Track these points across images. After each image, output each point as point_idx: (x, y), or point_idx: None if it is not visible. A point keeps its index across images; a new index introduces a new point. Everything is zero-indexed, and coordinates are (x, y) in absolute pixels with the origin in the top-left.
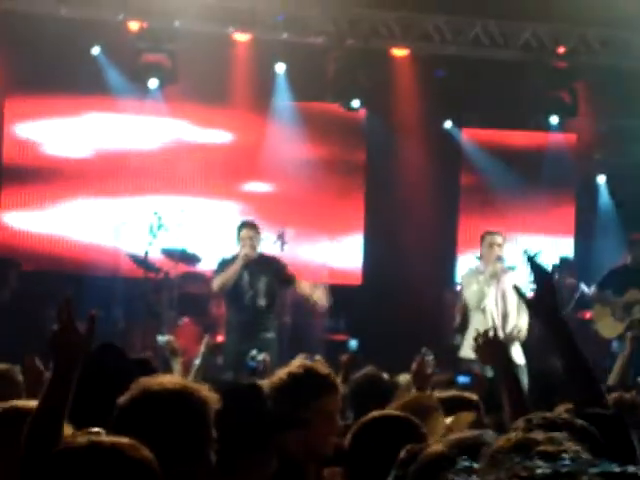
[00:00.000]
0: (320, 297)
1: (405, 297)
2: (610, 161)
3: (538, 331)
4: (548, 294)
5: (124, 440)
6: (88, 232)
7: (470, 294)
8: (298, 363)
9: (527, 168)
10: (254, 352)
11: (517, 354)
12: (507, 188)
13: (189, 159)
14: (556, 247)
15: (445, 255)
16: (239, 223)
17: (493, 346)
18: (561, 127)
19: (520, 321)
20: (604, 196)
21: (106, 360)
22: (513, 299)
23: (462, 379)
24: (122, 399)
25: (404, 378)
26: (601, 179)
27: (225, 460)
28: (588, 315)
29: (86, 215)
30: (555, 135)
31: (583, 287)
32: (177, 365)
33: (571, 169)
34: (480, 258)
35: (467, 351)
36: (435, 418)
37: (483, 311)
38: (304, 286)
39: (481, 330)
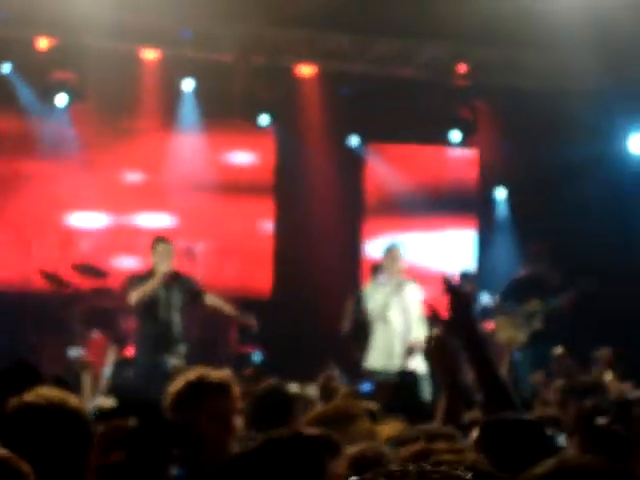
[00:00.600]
0: (229, 309)
1: (312, 310)
2: (510, 175)
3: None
4: (463, 311)
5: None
6: None
7: (374, 305)
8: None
9: (431, 183)
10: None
11: (419, 364)
12: (411, 200)
13: (99, 176)
14: (457, 259)
15: (350, 268)
16: (155, 238)
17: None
18: (463, 143)
19: (422, 332)
20: (503, 208)
21: (20, 379)
22: (415, 310)
23: (365, 387)
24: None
25: (313, 389)
26: (501, 193)
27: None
28: (489, 326)
29: None
30: (457, 150)
31: (483, 298)
32: (87, 378)
33: (473, 184)
34: (383, 269)
35: (372, 362)
36: (359, 424)
37: (386, 322)
38: (216, 300)
39: (385, 340)
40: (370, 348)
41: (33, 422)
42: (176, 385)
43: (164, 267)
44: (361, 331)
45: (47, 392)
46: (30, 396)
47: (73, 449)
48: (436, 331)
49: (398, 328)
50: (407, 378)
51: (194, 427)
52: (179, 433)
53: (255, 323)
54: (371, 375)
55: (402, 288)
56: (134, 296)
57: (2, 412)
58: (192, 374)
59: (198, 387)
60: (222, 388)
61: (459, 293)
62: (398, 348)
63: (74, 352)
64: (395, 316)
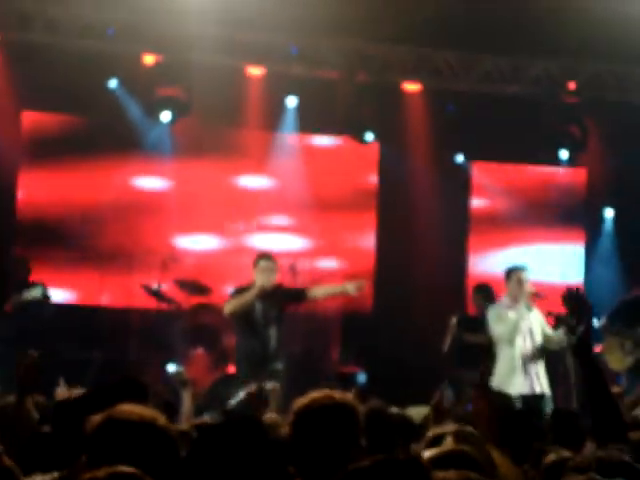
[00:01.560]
0: (348, 287)
1: (415, 329)
2: (619, 195)
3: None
4: (587, 334)
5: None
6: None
7: (502, 330)
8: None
9: (537, 203)
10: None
11: (545, 385)
12: (517, 223)
13: (202, 195)
14: (565, 275)
15: (454, 287)
16: (257, 255)
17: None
18: (571, 161)
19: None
20: (609, 228)
21: (126, 396)
22: (539, 337)
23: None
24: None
25: (416, 412)
26: (609, 213)
27: None
28: (598, 349)
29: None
30: (565, 169)
31: (594, 321)
32: (187, 396)
33: (581, 203)
34: (507, 292)
35: (495, 385)
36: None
37: (512, 347)
38: (320, 289)
39: (509, 365)
40: (493, 373)
41: (121, 437)
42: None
43: (264, 282)
44: (463, 352)
45: (134, 408)
46: (117, 411)
47: (158, 468)
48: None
49: (523, 354)
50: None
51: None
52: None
53: (364, 285)
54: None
55: (528, 313)
56: (228, 306)
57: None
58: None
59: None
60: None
61: (587, 303)
62: (521, 374)
63: (173, 368)
64: (520, 341)
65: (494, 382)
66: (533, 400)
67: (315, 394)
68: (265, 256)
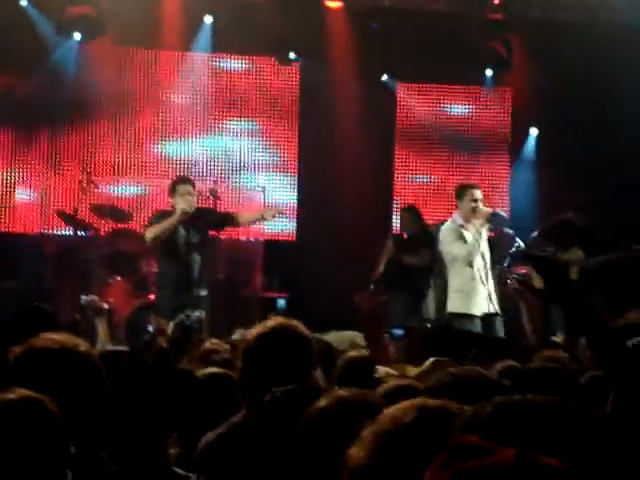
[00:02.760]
0: (266, 214)
1: (339, 253)
2: (544, 115)
3: None
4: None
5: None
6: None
7: (458, 248)
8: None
9: (462, 122)
10: (188, 311)
11: (497, 304)
12: (442, 141)
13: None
14: (491, 200)
15: (381, 206)
16: (175, 179)
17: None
18: (496, 80)
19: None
20: (532, 148)
21: (34, 325)
22: (488, 254)
23: (397, 332)
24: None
25: (338, 336)
26: (533, 131)
27: None
28: (524, 270)
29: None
30: (489, 88)
31: (519, 241)
32: (101, 325)
33: (506, 122)
34: (458, 212)
35: (453, 306)
36: None
37: (470, 265)
38: (243, 216)
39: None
40: (449, 292)
41: (42, 366)
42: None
43: (185, 207)
44: (398, 274)
45: (55, 336)
46: (38, 340)
47: (84, 393)
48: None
49: (480, 273)
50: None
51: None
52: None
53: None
54: (452, 320)
55: (481, 232)
56: (149, 233)
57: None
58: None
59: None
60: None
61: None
62: (482, 292)
63: (87, 298)
64: (479, 260)
65: (452, 303)
66: (491, 318)
67: (269, 322)
68: (183, 180)
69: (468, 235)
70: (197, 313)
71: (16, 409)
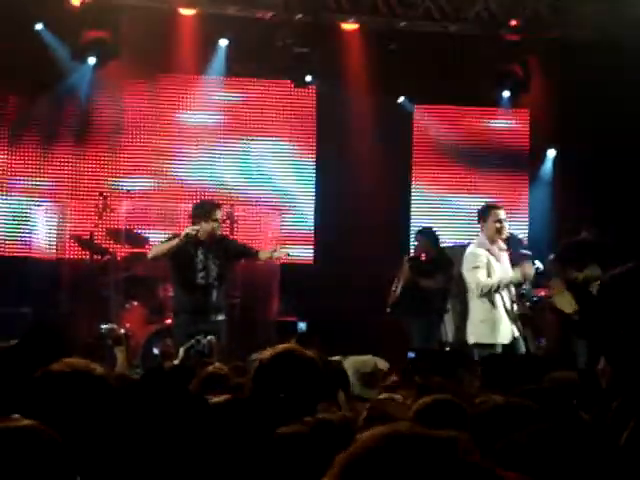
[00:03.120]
0: (281, 251)
1: (359, 278)
2: (561, 135)
3: None
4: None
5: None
6: (31, 216)
7: (484, 278)
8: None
9: (480, 144)
10: (199, 337)
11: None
12: (459, 163)
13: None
14: (510, 221)
15: (399, 231)
16: (196, 203)
17: None
18: (513, 101)
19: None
20: (550, 170)
21: (41, 346)
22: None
23: (410, 356)
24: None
25: (358, 361)
26: (551, 153)
27: None
28: (543, 292)
29: (28, 197)
30: (507, 110)
31: (537, 264)
32: (120, 354)
33: (524, 145)
34: (483, 233)
35: (481, 335)
36: None
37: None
38: (262, 254)
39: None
40: (474, 321)
41: (58, 389)
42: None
43: (189, 231)
44: (415, 297)
45: (72, 361)
46: (56, 365)
47: (98, 416)
48: None
49: (504, 300)
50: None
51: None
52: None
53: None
54: (476, 348)
55: (503, 256)
56: (151, 251)
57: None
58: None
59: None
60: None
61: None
62: (506, 320)
63: (107, 326)
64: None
65: (477, 333)
66: (513, 342)
67: (278, 347)
68: (202, 203)
69: (496, 264)
70: (208, 338)
71: (14, 438)
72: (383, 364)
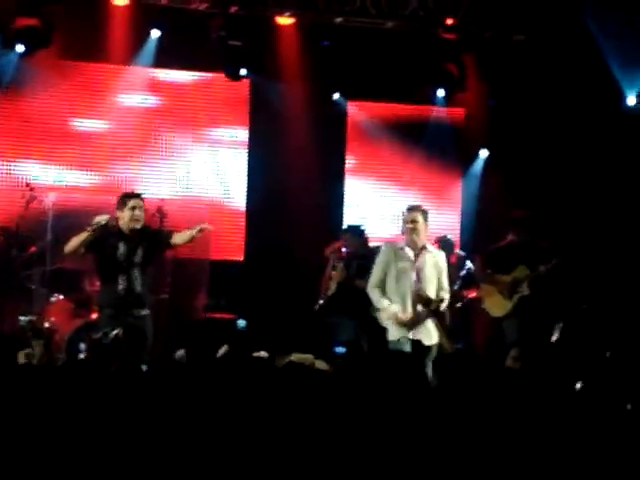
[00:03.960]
0: (194, 232)
1: (290, 273)
2: (496, 136)
3: None
4: None
5: None
6: None
7: (391, 270)
8: None
9: (413, 142)
10: (107, 330)
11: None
12: (394, 162)
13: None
14: (442, 224)
15: (330, 230)
16: (120, 195)
17: None
18: (448, 100)
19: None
20: (479, 170)
21: None
22: (431, 277)
23: (339, 350)
24: None
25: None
26: (483, 153)
27: None
28: (474, 294)
29: None
30: (441, 109)
31: (469, 264)
32: (38, 347)
33: (457, 144)
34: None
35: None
36: None
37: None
38: (179, 236)
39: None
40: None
41: None
42: None
43: (101, 218)
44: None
45: None
46: None
47: None
48: None
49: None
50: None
51: None
52: None
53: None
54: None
55: (418, 255)
56: (67, 245)
57: None
58: None
59: None
60: None
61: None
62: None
63: (26, 318)
64: (410, 282)
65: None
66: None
67: None
68: (132, 196)
69: (404, 263)
70: (115, 331)
71: None
72: (323, 365)
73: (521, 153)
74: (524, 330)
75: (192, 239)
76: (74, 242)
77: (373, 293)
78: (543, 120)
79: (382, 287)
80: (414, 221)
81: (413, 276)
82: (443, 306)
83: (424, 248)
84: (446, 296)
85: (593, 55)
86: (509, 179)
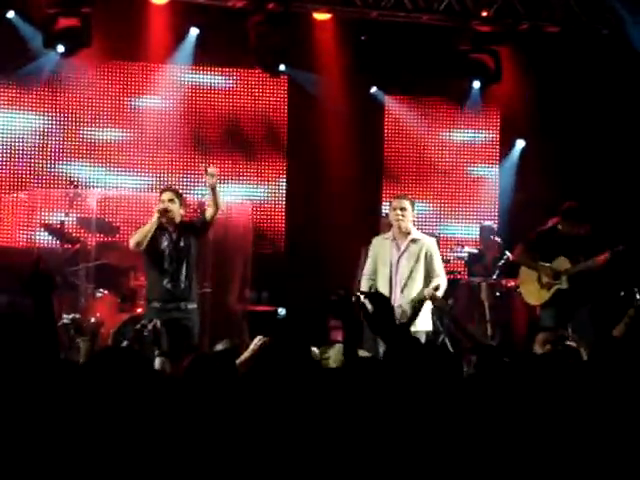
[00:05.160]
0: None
1: (330, 265)
2: (532, 127)
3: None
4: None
5: None
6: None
7: (374, 257)
8: None
9: (449, 134)
10: (145, 322)
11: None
12: (430, 154)
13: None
14: (480, 213)
15: (368, 219)
16: (160, 190)
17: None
18: (484, 92)
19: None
20: (516, 159)
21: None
22: (411, 265)
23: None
24: None
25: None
26: (519, 143)
27: None
28: (513, 283)
29: None
30: (478, 100)
31: (507, 254)
32: (83, 344)
33: (493, 134)
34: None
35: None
36: None
37: (382, 276)
38: (208, 209)
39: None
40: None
41: None
42: None
43: (159, 208)
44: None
45: None
46: None
47: None
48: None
49: (393, 280)
50: None
51: None
52: None
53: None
54: None
55: (399, 241)
56: (131, 240)
57: None
58: None
59: None
60: None
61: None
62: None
63: (70, 316)
64: (390, 268)
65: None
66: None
67: None
68: (164, 189)
69: (392, 253)
70: (153, 323)
71: None
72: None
73: (558, 144)
74: (561, 319)
75: (217, 200)
76: (140, 234)
77: (362, 282)
78: (580, 111)
79: (375, 277)
80: (403, 209)
81: (397, 265)
82: (439, 293)
83: (409, 235)
84: (439, 282)
85: (628, 47)
86: (545, 169)
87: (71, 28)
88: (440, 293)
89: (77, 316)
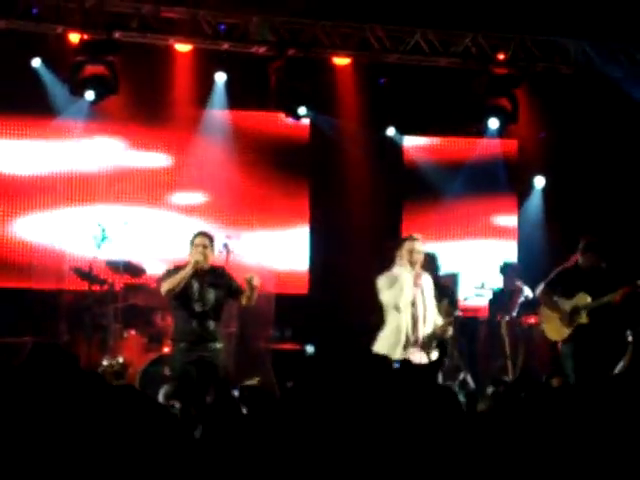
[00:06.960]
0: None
1: (352, 306)
2: (551, 165)
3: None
4: None
5: None
6: (30, 246)
7: (388, 297)
8: None
9: (468, 174)
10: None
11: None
12: (449, 194)
13: (130, 174)
14: (500, 251)
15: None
16: (194, 232)
17: None
18: (501, 133)
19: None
20: (539, 197)
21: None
22: (431, 300)
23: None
24: None
25: None
26: (539, 181)
27: None
28: (533, 320)
29: (27, 229)
30: (495, 141)
31: (527, 291)
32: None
33: (512, 174)
34: (398, 261)
35: (379, 347)
36: None
37: (398, 310)
38: (244, 299)
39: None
40: (378, 337)
41: None
42: None
43: (198, 258)
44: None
45: None
46: None
47: None
48: None
49: (416, 316)
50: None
51: None
52: None
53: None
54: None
55: (418, 280)
56: (165, 285)
57: None
58: None
59: None
60: None
61: None
62: (404, 340)
63: (105, 361)
64: (408, 308)
65: (376, 346)
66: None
67: None
68: (201, 233)
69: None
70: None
71: None
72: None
73: (575, 181)
74: (580, 356)
75: (253, 297)
76: (174, 282)
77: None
78: (596, 149)
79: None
80: (419, 252)
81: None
82: None
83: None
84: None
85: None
86: (568, 206)
87: (98, 76)
88: None
89: (112, 362)
